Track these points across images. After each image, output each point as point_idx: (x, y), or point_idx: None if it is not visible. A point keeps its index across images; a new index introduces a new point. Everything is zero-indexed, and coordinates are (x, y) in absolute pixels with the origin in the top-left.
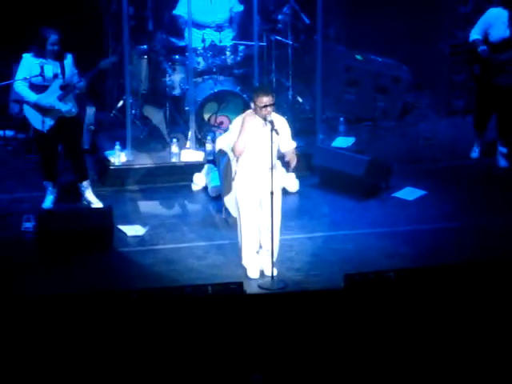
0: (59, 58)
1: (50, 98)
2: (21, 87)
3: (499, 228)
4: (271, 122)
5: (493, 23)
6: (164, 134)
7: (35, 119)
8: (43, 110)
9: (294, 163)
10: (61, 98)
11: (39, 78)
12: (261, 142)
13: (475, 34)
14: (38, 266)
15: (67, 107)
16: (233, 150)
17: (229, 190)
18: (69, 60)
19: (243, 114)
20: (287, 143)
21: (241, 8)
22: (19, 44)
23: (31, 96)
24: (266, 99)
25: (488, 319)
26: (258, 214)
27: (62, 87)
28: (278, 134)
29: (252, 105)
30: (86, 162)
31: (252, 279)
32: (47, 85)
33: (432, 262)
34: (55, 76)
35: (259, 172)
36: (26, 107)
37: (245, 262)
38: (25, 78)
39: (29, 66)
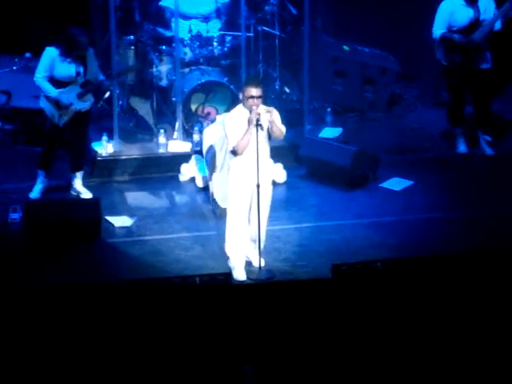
0: (83, 56)
1: (69, 95)
2: (42, 81)
3: (485, 218)
4: (257, 120)
5: (454, 11)
6: (151, 124)
7: (53, 113)
8: (60, 107)
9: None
10: (80, 96)
11: (62, 73)
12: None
13: (439, 30)
14: (25, 257)
15: (85, 105)
16: (234, 150)
17: (216, 180)
18: (91, 54)
19: (234, 111)
20: (279, 129)
21: None
22: (4, 37)
23: (52, 91)
24: (254, 91)
25: (476, 309)
26: (247, 208)
27: (82, 85)
28: (262, 129)
29: (240, 96)
30: (85, 153)
31: (238, 279)
32: (68, 82)
33: (419, 252)
34: (77, 74)
35: (250, 165)
36: (43, 101)
37: (231, 262)
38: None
39: (52, 61)
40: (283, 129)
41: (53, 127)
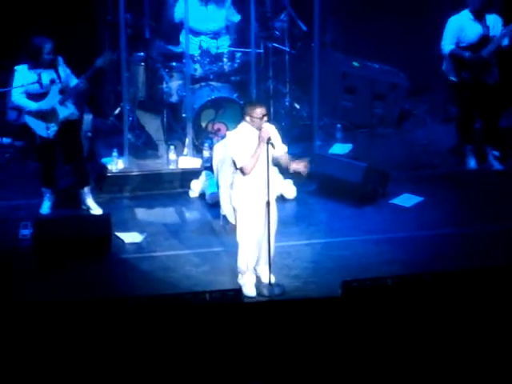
0: (53, 64)
1: (50, 104)
2: (20, 99)
3: (497, 234)
4: (269, 138)
5: (463, 26)
6: (161, 140)
7: (39, 127)
8: (45, 117)
9: (297, 166)
10: (61, 102)
11: (37, 85)
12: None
13: (448, 45)
14: (35, 273)
15: (69, 111)
16: (243, 169)
17: (226, 196)
18: (60, 62)
19: (238, 130)
20: (279, 148)
21: (238, 18)
22: (16, 52)
23: (32, 105)
24: (262, 110)
25: (487, 326)
26: (257, 225)
27: (60, 91)
28: (274, 147)
29: (247, 118)
30: (87, 167)
31: (249, 295)
32: (45, 92)
33: (429, 269)
34: (52, 82)
35: (259, 182)
36: (27, 117)
37: (241, 278)
38: (22, 85)
39: (24, 77)
40: (285, 147)
41: (44, 142)
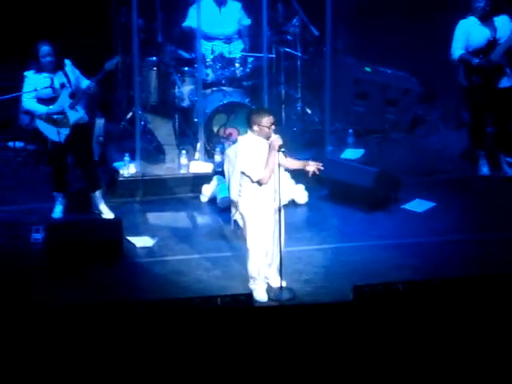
0: (59, 67)
1: (60, 108)
2: (30, 103)
3: (509, 240)
4: (280, 146)
5: (470, 31)
6: (173, 145)
7: (50, 132)
8: (56, 122)
9: (311, 166)
10: (72, 106)
11: (49, 90)
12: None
13: (459, 50)
14: (46, 277)
15: (79, 114)
16: (259, 182)
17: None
18: (68, 66)
19: (246, 141)
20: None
21: (248, 22)
22: (27, 57)
23: (42, 109)
24: (270, 119)
25: (499, 332)
26: (266, 231)
27: (71, 95)
28: (285, 156)
29: (255, 127)
30: (98, 171)
31: (260, 300)
32: (56, 96)
33: (441, 275)
34: (62, 86)
35: (267, 189)
36: (38, 122)
37: (253, 283)
38: (35, 90)
39: (33, 82)
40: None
41: (55, 146)
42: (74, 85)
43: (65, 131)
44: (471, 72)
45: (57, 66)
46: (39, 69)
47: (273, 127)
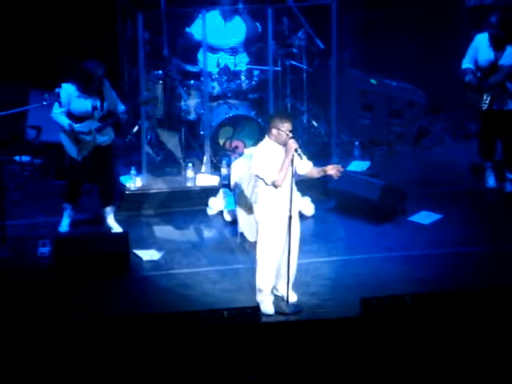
0: (98, 89)
1: (87, 128)
2: (59, 116)
3: None
4: (296, 149)
5: (479, 48)
6: (179, 158)
7: (71, 148)
8: (79, 141)
9: (331, 169)
10: (98, 130)
11: (81, 109)
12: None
13: (466, 63)
14: (54, 291)
15: (104, 139)
16: (274, 184)
17: (244, 214)
18: (107, 86)
19: (263, 146)
20: (305, 164)
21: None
22: (35, 72)
23: (67, 124)
24: (290, 125)
25: (507, 345)
26: (279, 240)
27: (100, 119)
28: (301, 158)
29: (274, 130)
30: (115, 189)
31: (267, 313)
32: (86, 117)
33: (448, 287)
34: (94, 108)
35: (283, 196)
36: (62, 136)
37: (260, 295)
38: (68, 104)
39: (68, 96)
40: (311, 163)
41: (73, 162)
42: (106, 109)
43: (84, 151)
44: (465, 87)
45: (96, 88)
46: (81, 89)
47: (290, 134)
